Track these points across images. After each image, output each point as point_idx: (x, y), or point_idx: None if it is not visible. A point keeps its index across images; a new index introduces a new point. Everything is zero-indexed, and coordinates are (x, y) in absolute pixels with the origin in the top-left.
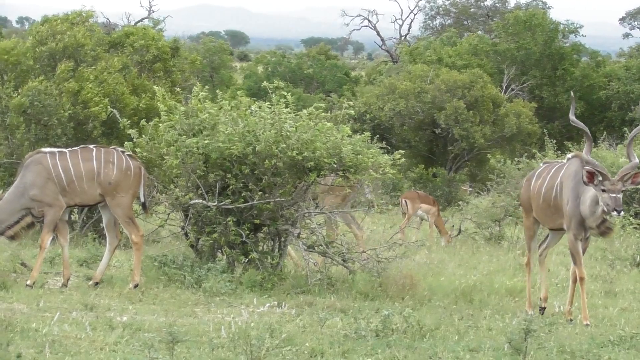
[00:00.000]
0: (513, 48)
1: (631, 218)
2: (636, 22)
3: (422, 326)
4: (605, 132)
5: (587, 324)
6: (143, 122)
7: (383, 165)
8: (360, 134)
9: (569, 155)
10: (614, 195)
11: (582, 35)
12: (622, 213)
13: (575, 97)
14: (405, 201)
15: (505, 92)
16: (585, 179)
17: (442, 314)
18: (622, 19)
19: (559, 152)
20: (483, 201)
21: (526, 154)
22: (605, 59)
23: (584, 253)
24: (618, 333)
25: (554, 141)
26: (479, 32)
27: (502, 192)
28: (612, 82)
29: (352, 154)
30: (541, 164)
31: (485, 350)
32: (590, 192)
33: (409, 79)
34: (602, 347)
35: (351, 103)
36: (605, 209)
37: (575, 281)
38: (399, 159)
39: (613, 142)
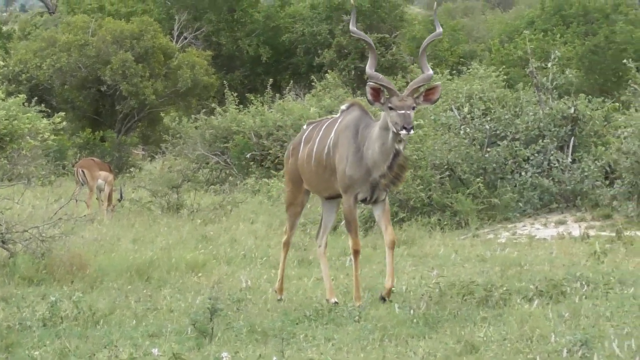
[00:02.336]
0: None
1: None
2: None
3: (95, 311)
4: (291, 81)
5: (359, 305)
6: None
7: (42, 130)
8: (15, 97)
9: (343, 107)
10: (403, 112)
11: None
12: (412, 132)
13: (260, 42)
14: (83, 171)
15: (177, 42)
16: (369, 97)
17: (117, 297)
18: None
19: (241, 105)
20: (158, 165)
21: (204, 110)
22: None
23: (386, 219)
24: (314, 307)
25: (235, 94)
26: None
27: (178, 155)
28: (297, 23)
29: (6, 120)
30: (304, 127)
31: (167, 334)
32: (376, 127)
33: (69, 31)
34: (297, 324)
35: (1, 63)
36: (395, 129)
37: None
38: (60, 122)
39: (300, 91)
